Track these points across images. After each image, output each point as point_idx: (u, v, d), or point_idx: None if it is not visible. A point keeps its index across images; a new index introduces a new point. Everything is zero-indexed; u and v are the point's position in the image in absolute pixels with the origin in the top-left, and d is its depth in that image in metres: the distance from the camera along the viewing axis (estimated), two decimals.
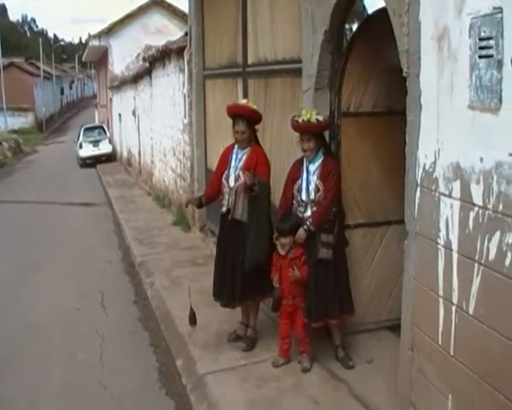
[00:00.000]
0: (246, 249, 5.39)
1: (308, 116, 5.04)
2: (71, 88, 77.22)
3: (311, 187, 5.13)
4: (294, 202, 5.27)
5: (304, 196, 5.17)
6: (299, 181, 5.21)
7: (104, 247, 11.19)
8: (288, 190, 5.33)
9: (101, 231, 12.82)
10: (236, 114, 5.55)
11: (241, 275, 5.50)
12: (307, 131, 5.08)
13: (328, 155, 5.23)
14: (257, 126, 5.66)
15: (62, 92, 67.88)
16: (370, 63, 5.49)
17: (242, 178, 5.45)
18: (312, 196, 5.12)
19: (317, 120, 5.05)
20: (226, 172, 5.63)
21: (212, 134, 9.73)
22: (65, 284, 8.78)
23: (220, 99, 9.02)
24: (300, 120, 5.08)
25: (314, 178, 5.13)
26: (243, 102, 5.79)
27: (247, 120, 5.49)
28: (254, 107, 5.59)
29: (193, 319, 5.85)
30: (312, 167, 5.16)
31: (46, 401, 5.27)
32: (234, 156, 5.63)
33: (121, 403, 5.20)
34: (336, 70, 5.47)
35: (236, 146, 5.63)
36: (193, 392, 5.09)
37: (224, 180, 5.63)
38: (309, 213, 5.13)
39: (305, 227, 5.06)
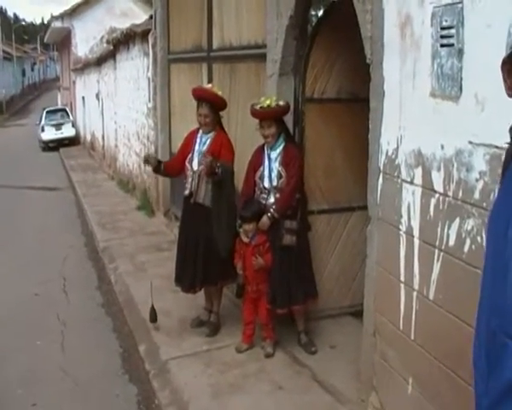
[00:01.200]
0: (214, 236, 5.37)
1: (268, 102, 5.03)
2: (33, 70, 75.82)
3: (274, 174, 5.13)
4: (257, 189, 5.26)
5: (266, 184, 5.17)
6: (261, 168, 5.20)
7: (66, 232, 11.05)
8: (249, 178, 5.32)
9: (63, 215, 12.65)
10: (200, 97, 5.53)
11: (202, 260, 5.50)
12: (267, 116, 5.06)
13: (290, 141, 5.23)
14: (222, 113, 5.63)
15: (24, 74, 66.63)
16: (335, 50, 5.50)
17: (203, 162, 5.44)
18: (275, 183, 5.12)
19: (277, 104, 5.05)
20: (190, 155, 5.60)
21: (177, 119, 9.65)
22: (25, 270, 8.63)
23: (185, 84, 8.94)
24: (258, 107, 5.07)
25: (276, 165, 5.13)
26: (208, 86, 5.75)
27: (210, 104, 5.47)
28: (219, 93, 5.56)
29: (153, 317, 5.82)
30: (274, 154, 5.16)
31: (5, 390, 5.17)
32: (198, 140, 5.61)
33: (84, 390, 5.15)
34: (301, 56, 5.47)
35: (201, 130, 5.61)
36: (156, 378, 5.07)
37: (187, 163, 5.60)
38: (272, 199, 5.13)
39: (269, 214, 5.06)
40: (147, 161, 5.74)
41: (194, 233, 5.57)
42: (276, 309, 5.18)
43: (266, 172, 5.17)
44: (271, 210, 5.06)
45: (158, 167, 5.76)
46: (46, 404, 4.96)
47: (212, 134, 5.55)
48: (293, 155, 5.13)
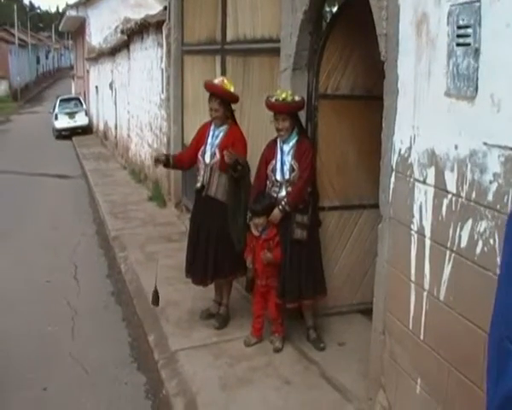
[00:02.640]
0: (228, 230, 5.39)
1: (284, 96, 5.02)
2: (47, 58, 76.05)
3: (286, 167, 5.12)
4: (268, 182, 5.25)
5: (278, 177, 5.16)
6: (274, 161, 5.19)
7: (78, 220, 11.12)
8: (261, 171, 5.31)
9: (75, 203, 12.72)
10: (210, 91, 5.54)
11: (213, 253, 5.51)
12: (283, 110, 5.05)
13: (303, 136, 5.22)
14: (234, 106, 5.63)
15: (38, 61, 66.85)
16: (349, 46, 5.47)
17: (218, 155, 5.44)
18: (287, 176, 5.11)
19: (292, 99, 5.04)
20: (202, 148, 5.61)
21: (190, 110, 9.66)
22: (37, 257, 8.70)
23: (198, 76, 8.94)
24: (274, 100, 5.06)
25: (289, 158, 5.12)
26: (219, 79, 5.71)
27: (220, 98, 5.48)
28: (228, 87, 5.54)
29: (155, 299, 5.74)
30: (287, 147, 5.14)
31: (17, 374, 5.23)
32: (211, 133, 5.61)
33: (92, 377, 5.19)
34: (315, 51, 5.45)
35: (213, 123, 5.61)
36: (164, 368, 5.10)
37: (199, 156, 5.61)
38: (283, 193, 5.12)
39: (280, 207, 5.05)
40: (157, 160, 5.75)
41: (205, 226, 5.58)
42: (286, 303, 5.18)
43: (278, 166, 5.16)
44: (283, 203, 5.04)
45: (168, 162, 5.79)
46: (56, 389, 5.01)
47: (224, 127, 5.55)
48: (305, 148, 5.11)
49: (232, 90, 5.56)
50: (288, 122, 5.08)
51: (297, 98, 5.09)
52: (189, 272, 5.77)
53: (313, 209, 5.19)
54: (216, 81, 5.61)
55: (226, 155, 5.21)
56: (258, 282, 5.25)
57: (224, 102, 5.50)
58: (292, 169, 5.10)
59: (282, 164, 5.14)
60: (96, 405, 4.69)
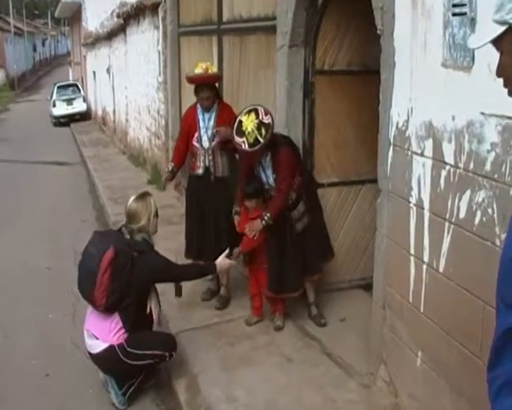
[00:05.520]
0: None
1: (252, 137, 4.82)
2: (44, 45, 75.65)
3: (270, 181, 5.07)
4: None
5: (266, 186, 5.14)
6: (256, 171, 5.14)
7: (78, 206, 11.09)
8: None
9: (75, 190, 12.69)
10: (201, 83, 5.52)
11: (226, 232, 5.52)
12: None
13: (277, 147, 4.99)
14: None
15: (35, 49, 66.49)
16: (345, 21, 5.43)
17: (218, 136, 5.47)
18: (271, 181, 5.08)
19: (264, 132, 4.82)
20: (197, 134, 5.62)
21: (187, 92, 9.55)
22: (37, 244, 8.69)
23: (195, 57, 8.86)
24: (244, 140, 4.88)
25: (269, 173, 5.06)
26: (203, 67, 5.55)
27: (210, 85, 5.54)
28: (214, 70, 5.66)
29: (179, 291, 5.71)
30: (265, 162, 5.05)
31: (19, 361, 5.25)
32: (200, 117, 5.64)
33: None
34: (311, 28, 5.40)
35: (199, 107, 5.62)
36: None
37: (195, 143, 5.63)
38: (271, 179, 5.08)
39: (264, 222, 4.90)
40: (167, 180, 5.91)
41: (212, 207, 5.64)
42: (282, 295, 5.20)
43: (263, 177, 5.10)
44: (265, 217, 4.90)
45: (173, 173, 5.89)
46: (58, 375, 5.01)
47: (214, 107, 5.60)
48: (280, 159, 4.96)
49: (215, 70, 5.66)
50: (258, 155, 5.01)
51: (265, 119, 4.84)
52: (198, 255, 5.74)
53: (307, 194, 5.16)
54: (201, 71, 5.52)
55: (217, 135, 5.30)
56: (247, 258, 5.30)
57: (212, 87, 5.56)
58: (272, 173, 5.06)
59: (267, 179, 5.09)
60: (98, 391, 4.68)
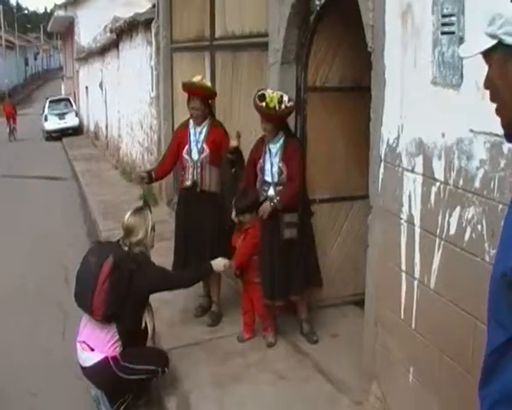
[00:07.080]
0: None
1: (273, 104, 4.88)
2: (36, 59, 75.81)
3: (274, 169, 5.09)
4: (258, 181, 5.24)
5: (267, 178, 5.14)
6: (262, 161, 5.17)
7: (69, 222, 11.06)
8: (249, 170, 5.33)
9: (66, 205, 12.67)
10: (191, 91, 5.61)
11: (210, 246, 5.51)
12: (270, 121, 5.01)
13: (290, 137, 5.15)
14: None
15: (27, 63, 66.61)
16: (337, 38, 5.47)
17: (207, 149, 5.58)
18: (276, 179, 5.09)
19: (285, 106, 4.93)
20: (187, 147, 5.66)
21: (180, 108, 9.60)
22: (27, 259, 8.64)
23: (188, 73, 8.88)
24: (264, 105, 4.91)
25: (276, 160, 5.08)
26: (198, 78, 5.69)
27: (201, 96, 5.57)
28: (208, 84, 5.76)
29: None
30: (274, 148, 5.10)
31: (6, 379, 5.17)
32: (192, 131, 5.68)
33: (84, 382, 5.08)
34: (303, 45, 5.44)
35: (192, 122, 5.68)
36: None
37: (185, 155, 5.67)
38: (272, 191, 5.09)
39: (272, 204, 4.97)
40: (142, 179, 5.91)
41: (199, 221, 5.63)
42: (275, 303, 5.17)
43: (268, 167, 5.13)
44: (275, 200, 4.98)
45: (151, 178, 5.89)
46: (47, 394, 4.96)
47: (206, 122, 5.66)
48: (293, 150, 5.06)
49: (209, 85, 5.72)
50: (272, 125, 5.05)
51: (288, 104, 4.96)
52: (183, 268, 5.72)
53: (303, 206, 5.17)
54: (195, 80, 5.62)
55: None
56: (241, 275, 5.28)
57: (204, 100, 5.60)
58: (280, 172, 5.07)
59: (271, 166, 5.12)
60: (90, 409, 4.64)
